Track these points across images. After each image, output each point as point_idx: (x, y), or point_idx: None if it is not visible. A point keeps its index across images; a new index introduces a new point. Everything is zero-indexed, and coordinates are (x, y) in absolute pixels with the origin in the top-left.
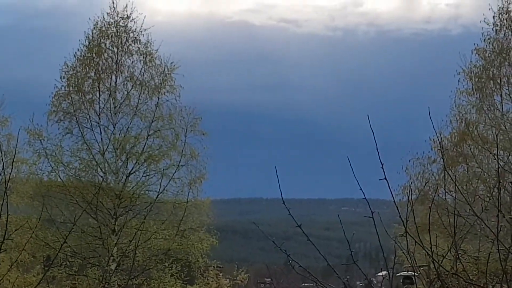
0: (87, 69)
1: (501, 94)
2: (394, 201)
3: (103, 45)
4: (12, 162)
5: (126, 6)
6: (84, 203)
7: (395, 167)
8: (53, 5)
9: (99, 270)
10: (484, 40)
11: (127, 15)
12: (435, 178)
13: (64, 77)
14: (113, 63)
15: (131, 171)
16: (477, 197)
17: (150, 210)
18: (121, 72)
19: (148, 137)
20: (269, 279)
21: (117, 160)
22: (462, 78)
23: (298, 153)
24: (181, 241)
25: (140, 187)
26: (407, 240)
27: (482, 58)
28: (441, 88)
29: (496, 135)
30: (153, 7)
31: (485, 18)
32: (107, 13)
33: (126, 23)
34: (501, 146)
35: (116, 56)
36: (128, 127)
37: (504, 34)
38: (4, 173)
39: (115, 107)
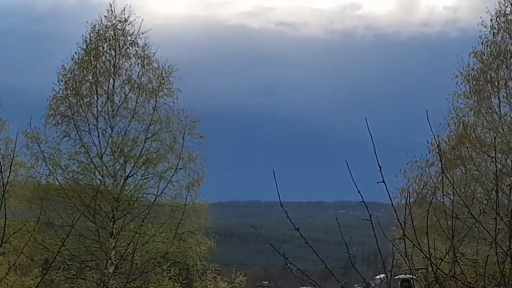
0: (85, 72)
1: (498, 97)
2: (392, 204)
3: (100, 48)
4: (10, 166)
5: (124, 9)
6: (82, 206)
7: (393, 170)
8: (50, 9)
9: (97, 273)
10: (482, 43)
11: (124, 18)
12: (433, 181)
13: (62, 80)
14: (111, 66)
15: (129, 174)
16: (475, 200)
17: (148, 213)
18: (119, 75)
19: (146, 140)
20: (267, 282)
21: (115, 163)
22: (460, 81)
23: (296, 156)
24: (179, 244)
25: (138, 190)
26: (405, 243)
27: (479, 61)
28: (439, 91)
29: (494, 138)
30: (151, 10)
31: (482, 21)
32: (105, 16)
33: (124, 26)
34: (499, 149)
35: (114, 59)
36: (126, 130)
37: (502, 37)
38: (2, 176)
39: (113, 110)
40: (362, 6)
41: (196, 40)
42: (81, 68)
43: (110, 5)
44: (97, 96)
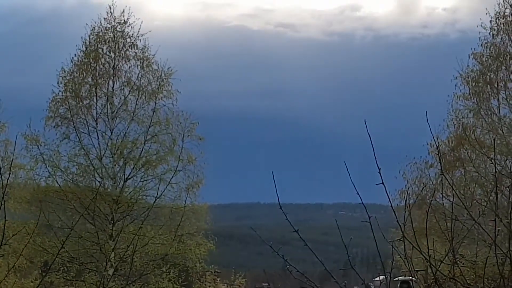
0: (84, 74)
1: (498, 99)
2: (392, 206)
3: (100, 50)
4: (10, 168)
5: (123, 11)
6: (81, 208)
7: (392, 172)
8: (49, 10)
9: (96, 275)
10: (481, 44)
11: (124, 20)
12: (432, 182)
13: (61, 82)
14: (110, 68)
15: (128, 176)
16: (475, 201)
17: (148, 215)
18: (118, 77)
19: (146, 142)
20: (267, 284)
21: (115, 165)
22: (459, 82)
23: (295, 157)
24: (178, 246)
25: (137, 192)
26: (404, 245)
27: (479, 62)
28: (438, 92)
29: (494, 140)
30: (150, 12)
31: (482, 23)
32: (104, 18)
33: (123, 28)
34: (498, 151)
35: (113, 61)
36: (126, 132)
37: (501, 39)
38: (1, 178)
39: (112, 112)
40: (362, 8)
41: (195, 42)
42: (81, 70)
43: (110, 7)
44: (96, 98)
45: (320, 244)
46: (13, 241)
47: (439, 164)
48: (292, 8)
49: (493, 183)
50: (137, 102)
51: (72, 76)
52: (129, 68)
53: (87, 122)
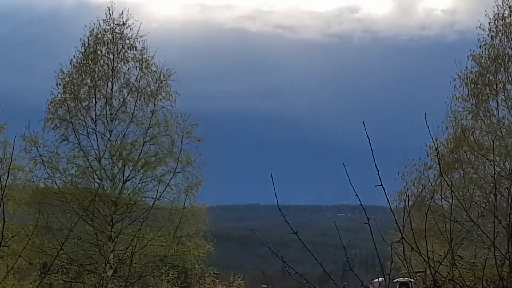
0: (83, 76)
1: (497, 100)
2: (391, 207)
3: (99, 52)
4: (9, 169)
5: (122, 13)
6: (80, 210)
7: (391, 173)
8: (49, 12)
9: (95, 277)
10: (480, 46)
11: (123, 22)
12: (431, 184)
13: (60, 84)
14: (109, 70)
15: (127, 178)
16: (474, 203)
17: (147, 216)
18: (117, 79)
19: (144, 143)
20: (266, 286)
21: (114, 167)
22: (458, 84)
23: (294, 159)
24: (177, 247)
25: (136, 194)
26: (403, 246)
27: (478, 64)
28: (437, 94)
29: (492, 141)
30: (149, 13)
31: (480, 24)
32: (103, 19)
33: (122, 30)
34: (497, 152)
35: (112, 63)
36: (125, 134)
37: (500, 40)
38: (1, 180)
39: (111, 114)
40: (360, 9)
41: (194, 43)
42: (80, 71)
43: (109, 9)
44: (95, 100)
45: (319, 246)
46: (12, 242)
47: (438, 165)
48: (290, 10)
49: (492, 184)
50: (136, 104)
51: (71, 78)
52: (128, 70)
53: (86, 123)
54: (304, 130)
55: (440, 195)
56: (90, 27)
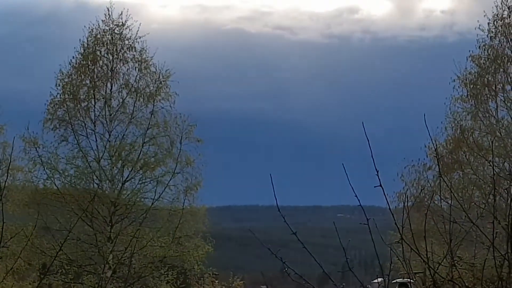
0: (83, 77)
1: (496, 101)
2: (390, 208)
3: (98, 52)
4: (8, 170)
5: (121, 14)
6: (79, 210)
7: (390, 174)
8: (48, 13)
9: (94, 277)
10: (479, 47)
11: (122, 22)
12: (430, 185)
13: (59, 85)
14: (108, 71)
15: (126, 178)
16: (473, 204)
17: (146, 217)
18: (116, 80)
19: (144, 144)
20: (265, 287)
21: (113, 167)
22: (457, 85)
23: (294, 160)
24: (177, 248)
25: (135, 195)
26: (402, 247)
27: (477, 65)
28: (436, 95)
29: (492, 142)
30: (148, 14)
31: (480, 25)
32: (102, 20)
33: (121, 31)
34: (496, 153)
35: (111, 63)
36: (124, 135)
37: (499, 41)
38: (0, 180)
39: (110, 115)
40: (360, 10)
41: (193, 44)
42: (79, 72)
43: (108, 9)
44: (94, 101)
45: (318, 247)
46: (11, 243)
47: (437, 166)
48: (290, 11)
49: (491, 185)
50: (135, 105)
51: (70, 79)
52: (127, 71)
53: (85, 124)
54: (303, 131)
55: (439, 196)
56: (89, 28)
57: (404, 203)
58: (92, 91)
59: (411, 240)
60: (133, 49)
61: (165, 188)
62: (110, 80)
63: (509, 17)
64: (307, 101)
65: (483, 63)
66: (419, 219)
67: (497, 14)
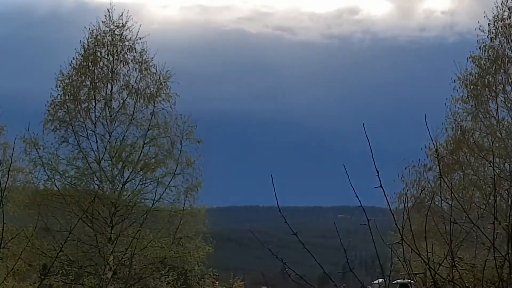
0: (83, 78)
1: (496, 102)
2: (390, 209)
3: (98, 53)
4: (8, 171)
5: (122, 15)
6: (80, 211)
7: (390, 175)
8: (48, 14)
9: (95, 278)
10: (480, 47)
11: (122, 23)
12: (431, 185)
13: (60, 86)
14: (109, 72)
15: (127, 179)
16: (473, 204)
17: (146, 218)
18: (116, 81)
19: (144, 145)
20: (265, 287)
21: (113, 168)
22: (457, 85)
23: (294, 160)
24: (177, 249)
25: (136, 196)
26: (403, 248)
27: (477, 65)
28: (437, 95)
29: (492, 143)
30: (148, 15)
31: (480, 26)
32: (103, 21)
33: (121, 32)
34: (496, 154)
35: (112, 64)
36: (124, 136)
37: (499, 42)
38: (0, 181)
39: (111, 116)
40: (360, 11)
41: (193, 45)
42: (79, 73)
43: (108, 10)
44: (95, 102)
45: (318, 247)
46: (12, 244)
47: (437, 167)
48: (290, 11)
49: (491, 186)
50: (136, 106)
51: (70, 80)
52: (127, 72)
53: (85, 125)
54: (304, 131)
55: (440, 197)
56: (89, 29)
57: (404, 204)
58: (92, 92)
59: (412, 240)
60: (134, 50)
61: (165, 189)
62: (110, 81)
63: (510, 18)
64: (307, 102)
65: (484, 64)
66: (420, 220)
67: (498, 15)
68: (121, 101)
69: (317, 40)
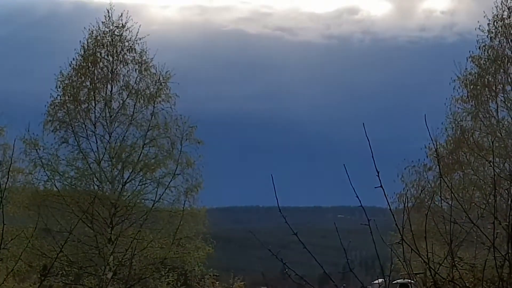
0: (83, 79)
1: (496, 101)
2: (390, 209)
3: (98, 54)
4: (8, 172)
5: (121, 15)
6: (80, 212)
7: (390, 175)
8: (47, 14)
9: (95, 279)
10: (479, 47)
11: (122, 24)
12: (431, 185)
13: (59, 87)
14: (109, 72)
15: (127, 180)
16: (473, 204)
17: (146, 218)
18: (116, 81)
19: (144, 146)
20: None
21: (113, 169)
22: (457, 85)
23: (294, 160)
24: (177, 249)
25: (136, 196)
26: (403, 248)
27: (477, 65)
28: (437, 95)
29: (492, 142)
30: (148, 16)
31: (480, 26)
32: (102, 22)
33: (121, 32)
34: (496, 153)
35: (112, 65)
36: (124, 136)
37: (499, 42)
38: (0, 182)
39: (110, 116)
40: (360, 11)
41: (193, 46)
42: (79, 74)
43: (108, 11)
44: (95, 102)
45: (319, 247)
46: (12, 245)
47: (437, 167)
48: (289, 12)
49: (491, 185)
50: (136, 106)
51: (70, 80)
52: (127, 72)
53: (85, 126)
54: (304, 132)
55: (440, 197)
56: (89, 29)
57: (404, 204)
58: (92, 93)
59: (412, 240)
60: (133, 51)
61: (165, 189)
62: (110, 81)
63: (509, 17)
64: (307, 102)
65: (483, 63)
66: (420, 220)
67: (497, 14)
68: (121, 101)
69: (317, 40)
